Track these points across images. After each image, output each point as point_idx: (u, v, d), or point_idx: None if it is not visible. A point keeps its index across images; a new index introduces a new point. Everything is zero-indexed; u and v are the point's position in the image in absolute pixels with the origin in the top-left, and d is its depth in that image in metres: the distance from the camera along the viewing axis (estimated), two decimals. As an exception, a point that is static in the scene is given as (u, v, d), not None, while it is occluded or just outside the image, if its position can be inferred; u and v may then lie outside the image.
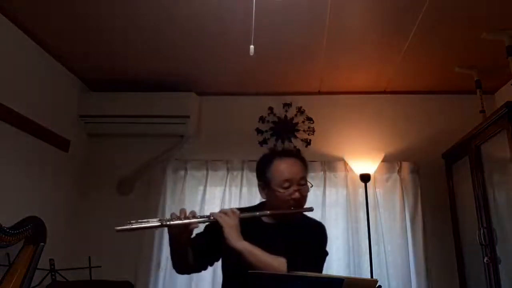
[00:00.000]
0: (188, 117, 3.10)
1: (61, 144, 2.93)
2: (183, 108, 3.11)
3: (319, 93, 3.33)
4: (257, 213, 1.56)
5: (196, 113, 3.24)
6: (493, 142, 2.30)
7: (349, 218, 2.95)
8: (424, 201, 2.98)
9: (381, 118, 3.25)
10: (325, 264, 2.98)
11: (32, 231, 2.09)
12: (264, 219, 1.61)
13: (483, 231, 2.31)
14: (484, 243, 2.30)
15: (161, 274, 2.91)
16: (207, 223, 1.60)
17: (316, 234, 1.59)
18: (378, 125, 3.23)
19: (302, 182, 1.55)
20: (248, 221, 1.53)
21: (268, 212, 1.55)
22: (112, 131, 3.22)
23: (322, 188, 3.03)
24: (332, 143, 3.22)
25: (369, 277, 2.68)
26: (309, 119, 3.29)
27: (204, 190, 3.09)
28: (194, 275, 2.82)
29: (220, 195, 3.07)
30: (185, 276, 2.85)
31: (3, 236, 1.95)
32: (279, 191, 1.52)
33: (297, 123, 3.29)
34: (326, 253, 1.60)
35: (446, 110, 3.20)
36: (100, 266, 2.73)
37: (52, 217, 2.51)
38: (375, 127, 3.23)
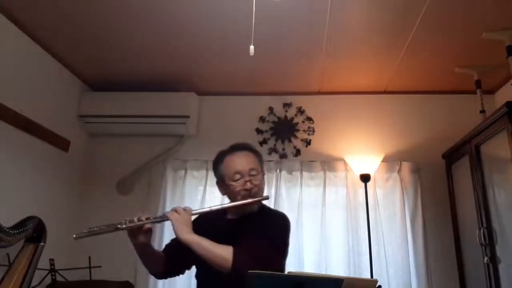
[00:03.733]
0: (188, 117, 3.10)
1: (61, 144, 2.93)
2: (183, 108, 3.11)
3: (319, 93, 3.33)
4: (208, 207, 1.60)
5: (196, 113, 3.24)
6: (493, 142, 2.30)
7: (349, 218, 2.95)
8: (424, 201, 2.98)
9: (381, 118, 3.25)
10: (325, 264, 2.98)
11: (32, 231, 2.09)
12: (229, 216, 1.65)
13: (483, 231, 2.31)
14: (484, 243, 2.30)
15: (161, 274, 2.91)
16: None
17: (273, 223, 1.58)
18: (378, 125, 3.23)
19: (253, 172, 1.58)
20: (213, 220, 1.60)
21: (220, 205, 1.60)
22: (112, 131, 3.22)
23: (322, 188, 3.03)
24: (332, 143, 3.22)
25: (369, 277, 2.68)
26: (309, 119, 3.30)
27: (204, 190, 3.10)
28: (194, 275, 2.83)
29: (220, 195, 3.06)
30: (185, 276, 2.84)
31: (3, 236, 1.95)
32: (231, 184, 1.57)
33: (297, 123, 3.29)
34: (286, 244, 1.56)
35: (446, 110, 3.20)
36: (100, 266, 2.73)
37: (52, 217, 2.51)
38: (375, 127, 3.23)
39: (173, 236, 1.60)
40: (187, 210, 1.52)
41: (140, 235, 1.49)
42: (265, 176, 1.67)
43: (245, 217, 1.59)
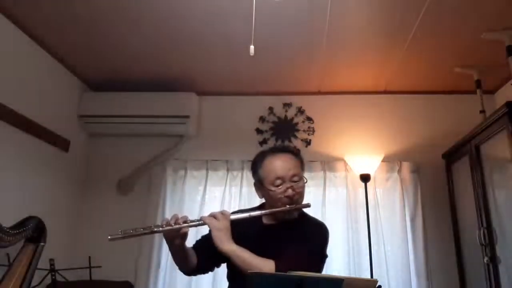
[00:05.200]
0: (188, 117, 3.10)
1: (61, 144, 2.93)
2: (183, 108, 3.12)
3: (319, 93, 3.33)
4: (248, 214, 1.52)
5: (196, 113, 3.24)
6: (493, 142, 2.30)
7: (349, 218, 2.95)
8: (424, 201, 2.98)
9: (381, 118, 3.25)
10: (325, 264, 2.98)
11: (32, 231, 2.08)
12: (265, 220, 1.58)
13: (483, 231, 2.31)
14: (484, 243, 2.30)
15: (161, 274, 2.91)
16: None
17: (314, 233, 1.52)
18: (378, 125, 3.23)
19: (295, 178, 1.50)
20: (248, 223, 1.51)
21: (260, 212, 1.52)
22: (112, 131, 3.22)
23: (322, 188, 3.03)
24: (332, 143, 3.22)
25: (369, 277, 2.68)
26: (309, 119, 3.30)
27: (204, 190, 3.10)
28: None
29: (220, 195, 3.07)
30: (185, 276, 2.85)
31: (3, 236, 1.95)
32: (271, 190, 1.49)
33: (297, 123, 3.29)
34: (325, 255, 1.53)
35: (446, 110, 3.20)
36: (100, 266, 2.73)
37: (52, 217, 2.50)
38: (375, 127, 3.23)
39: (204, 233, 1.58)
40: (225, 215, 1.45)
41: (176, 239, 1.45)
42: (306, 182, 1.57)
43: (284, 224, 1.52)
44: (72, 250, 2.91)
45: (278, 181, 1.49)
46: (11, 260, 2.11)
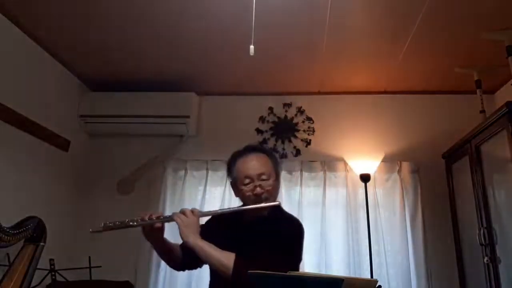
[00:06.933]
0: (188, 117, 3.10)
1: (61, 144, 2.93)
2: (183, 108, 3.12)
3: (319, 93, 3.33)
4: (218, 210, 1.64)
5: (196, 113, 3.24)
6: (493, 142, 2.30)
7: (349, 218, 2.95)
8: (424, 201, 2.98)
9: (381, 118, 3.25)
10: (325, 264, 2.97)
11: (32, 231, 2.09)
12: (245, 219, 1.61)
13: (483, 231, 2.31)
14: (484, 243, 2.29)
15: (161, 274, 2.91)
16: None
17: (284, 230, 1.51)
18: (378, 125, 3.23)
19: (263, 177, 1.54)
20: (228, 221, 1.60)
21: (228, 209, 1.63)
22: (112, 131, 3.22)
23: (322, 188, 3.03)
24: (332, 143, 3.22)
25: (369, 277, 2.68)
26: (309, 119, 3.30)
27: (204, 190, 3.09)
28: (194, 275, 2.83)
29: (220, 195, 3.07)
30: (185, 276, 2.86)
31: (3, 236, 1.95)
32: (242, 188, 1.55)
33: (297, 123, 3.29)
34: (295, 252, 1.51)
35: (446, 110, 3.20)
36: (100, 266, 2.73)
37: (52, 217, 2.51)
38: (375, 127, 3.23)
39: None
40: (194, 213, 1.52)
41: (152, 232, 1.53)
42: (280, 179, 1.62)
43: (256, 222, 1.56)
44: (72, 250, 2.90)
45: (247, 180, 1.54)
46: (11, 260, 2.11)
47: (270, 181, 1.55)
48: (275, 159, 1.64)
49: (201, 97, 3.31)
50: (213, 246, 1.45)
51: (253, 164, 1.56)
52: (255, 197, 1.53)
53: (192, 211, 1.52)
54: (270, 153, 1.65)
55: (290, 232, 1.54)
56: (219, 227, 1.60)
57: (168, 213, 2.97)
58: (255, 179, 1.53)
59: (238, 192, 1.60)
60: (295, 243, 1.53)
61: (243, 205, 1.60)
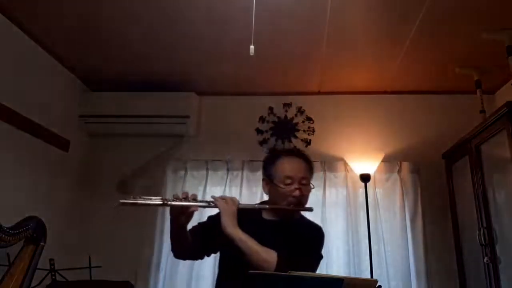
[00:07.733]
0: (188, 117, 3.10)
1: (61, 144, 2.93)
2: (183, 108, 3.12)
3: (319, 93, 3.33)
4: (256, 205, 1.62)
5: (196, 113, 3.24)
6: (493, 142, 2.30)
7: (349, 218, 2.95)
8: (424, 201, 2.98)
9: (381, 118, 3.25)
10: (325, 264, 2.98)
11: (32, 231, 2.08)
12: (265, 216, 1.63)
13: (483, 231, 2.31)
14: (484, 243, 2.30)
15: (161, 274, 2.91)
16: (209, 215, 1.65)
17: (311, 235, 1.59)
18: (378, 125, 3.23)
19: (304, 181, 1.58)
20: (249, 215, 1.57)
21: (267, 206, 1.60)
22: (112, 131, 3.22)
23: (322, 188, 3.03)
24: (332, 143, 3.22)
25: (369, 277, 2.68)
26: (309, 119, 3.30)
27: (204, 190, 3.09)
28: (194, 275, 2.83)
29: (220, 195, 3.06)
30: (185, 276, 2.86)
31: (3, 236, 1.95)
32: (280, 187, 1.56)
33: (297, 123, 3.29)
34: (321, 256, 1.59)
35: (446, 110, 3.20)
36: (100, 266, 2.73)
37: (52, 217, 2.51)
38: (375, 127, 3.23)
39: (202, 220, 1.67)
40: (234, 201, 1.53)
41: (182, 215, 1.49)
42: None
43: (284, 222, 1.59)
44: (72, 250, 2.90)
45: (288, 180, 1.56)
46: (11, 260, 2.11)
47: (308, 187, 1.60)
48: (312, 168, 1.67)
49: (201, 97, 3.31)
50: (253, 240, 1.44)
51: (298, 167, 1.59)
52: (294, 199, 1.55)
53: (232, 199, 1.53)
54: (310, 161, 1.67)
55: (319, 238, 1.61)
56: (240, 219, 1.55)
57: (168, 213, 3.00)
58: (296, 181, 1.56)
59: (273, 189, 1.60)
60: (321, 247, 1.60)
61: (266, 202, 1.64)
